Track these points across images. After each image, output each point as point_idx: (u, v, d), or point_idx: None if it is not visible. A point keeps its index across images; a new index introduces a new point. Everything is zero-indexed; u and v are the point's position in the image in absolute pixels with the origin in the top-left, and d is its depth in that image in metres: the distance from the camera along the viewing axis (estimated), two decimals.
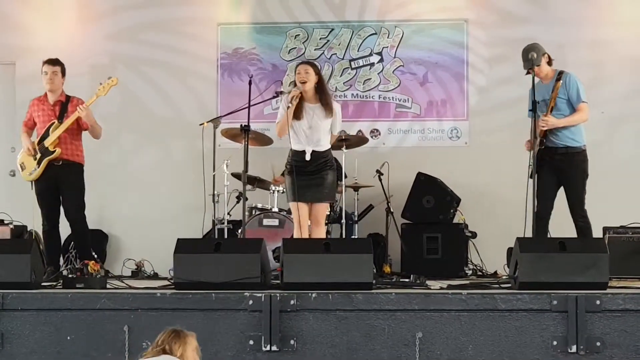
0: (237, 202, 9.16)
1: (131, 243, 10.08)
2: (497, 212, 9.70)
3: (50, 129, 8.14)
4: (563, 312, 5.97)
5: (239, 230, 8.64)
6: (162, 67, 10.32)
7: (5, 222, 9.08)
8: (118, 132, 10.03)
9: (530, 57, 7.85)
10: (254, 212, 8.91)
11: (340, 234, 9.13)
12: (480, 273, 9.23)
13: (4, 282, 6.44)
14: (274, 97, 8.90)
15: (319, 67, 7.98)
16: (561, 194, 7.90)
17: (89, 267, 6.80)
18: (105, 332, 6.12)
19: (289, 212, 8.43)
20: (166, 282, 7.27)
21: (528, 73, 7.87)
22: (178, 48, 10.33)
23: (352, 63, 10.23)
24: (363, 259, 6.43)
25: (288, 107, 7.55)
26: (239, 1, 10.35)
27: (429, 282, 7.14)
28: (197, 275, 6.42)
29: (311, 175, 7.63)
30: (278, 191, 8.95)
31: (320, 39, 10.26)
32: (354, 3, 10.22)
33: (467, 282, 7.94)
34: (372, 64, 10.21)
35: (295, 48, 10.25)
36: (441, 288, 6.68)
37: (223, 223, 8.98)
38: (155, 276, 9.08)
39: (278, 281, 6.65)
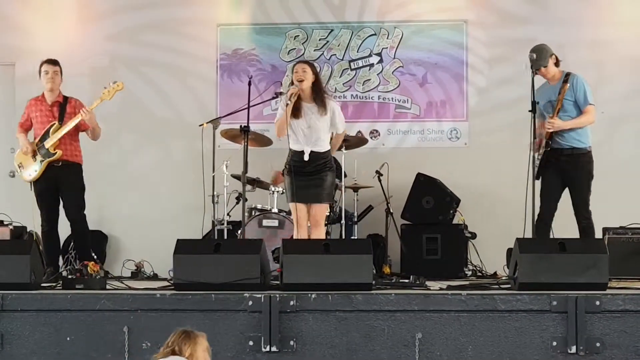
0: (237, 202, 9.15)
1: (131, 244, 10.08)
2: (496, 212, 9.70)
3: (50, 131, 8.13)
4: (563, 313, 5.97)
5: (239, 231, 8.63)
6: (161, 68, 10.32)
7: (5, 223, 9.08)
8: (118, 133, 10.02)
9: (530, 57, 7.86)
10: (253, 213, 8.90)
11: (340, 235, 9.13)
12: (479, 274, 9.22)
13: (3, 283, 6.44)
14: (273, 98, 8.90)
15: (317, 67, 8.00)
16: (565, 194, 7.90)
17: (88, 268, 6.80)
18: (104, 333, 6.12)
19: (288, 213, 8.43)
20: (166, 283, 7.27)
21: (535, 74, 7.88)
22: (178, 49, 10.32)
23: (352, 64, 10.23)
24: (363, 259, 6.43)
25: (287, 105, 7.56)
26: (239, 2, 10.35)
27: (428, 283, 7.14)
28: (197, 276, 6.42)
29: (310, 175, 7.63)
30: (278, 192, 8.95)
31: (319, 39, 10.26)
32: (354, 4, 10.22)
33: (467, 282, 7.94)
34: (371, 65, 10.21)
35: (294, 49, 10.25)
36: (441, 289, 6.68)
37: (223, 224, 8.98)
38: (154, 277, 9.08)
39: (278, 282, 6.64)
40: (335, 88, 10.15)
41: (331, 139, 7.95)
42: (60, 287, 6.86)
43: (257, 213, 8.89)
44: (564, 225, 7.86)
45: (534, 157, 7.76)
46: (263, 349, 6.02)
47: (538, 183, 7.86)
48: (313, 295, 6.09)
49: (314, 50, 10.23)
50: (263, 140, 9.11)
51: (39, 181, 8.16)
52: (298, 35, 10.27)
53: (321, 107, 7.62)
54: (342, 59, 10.24)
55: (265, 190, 9.19)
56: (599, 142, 8.91)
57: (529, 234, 7.68)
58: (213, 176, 8.90)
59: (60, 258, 8.70)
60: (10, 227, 9.02)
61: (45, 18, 10.33)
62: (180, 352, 4.65)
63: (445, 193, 9.55)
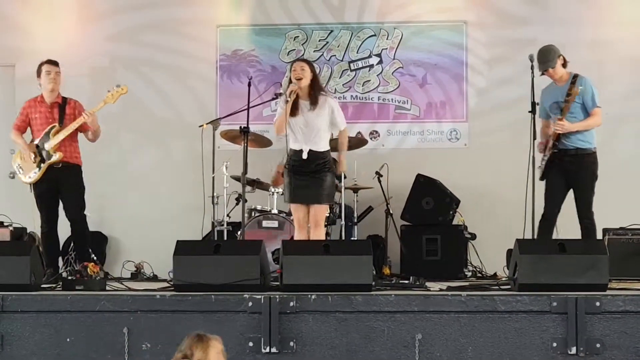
0: (237, 203, 9.15)
1: (130, 245, 10.08)
2: (496, 213, 9.70)
3: (51, 133, 8.12)
4: (563, 314, 5.97)
5: (239, 232, 8.64)
6: (161, 68, 10.33)
7: (5, 224, 9.08)
8: (117, 133, 10.03)
9: (530, 57, 7.87)
10: (253, 214, 8.90)
11: (340, 236, 9.13)
12: (479, 274, 9.22)
13: (3, 284, 6.43)
14: (273, 99, 8.90)
15: (315, 65, 8.01)
16: (568, 195, 7.90)
17: (88, 269, 6.79)
18: (104, 334, 6.11)
19: (288, 213, 8.43)
20: (166, 284, 7.27)
21: (543, 74, 7.88)
22: (178, 49, 10.33)
23: (351, 65, 10.23)
24: (362, 260, 6.43)
25: (286, 102, 7.56)
26: (239, 3, 10.35)
27: (428, 284, 7.14)
28: (197, 277, 6.41)
29: (309, 176, 7.64)
30: (277, 193, 8.95)
31: (319, 40, 10.26)
32: (353, 5, 10.22)
33: (467, 283, 7.94)
34: (371, 66, 10.21)
35: (294, 50, 10.25)
36: (441, 290, 6.68)
37: (222, 225, 8.98)
38: (154, 278, 9.08)
39: (277, 283, 6.64)
40: (335, 89, 10.15)
41: (331, 139, 7.96)
42: (60, 288, 6.86)
43: (257, 214, 8.89)
44: (566, 226, 7.87)
45: (534, 157, 7.76)
46: (263, 350, 6.02)
47: (541, 183, 7.87)
48: (313, 296, 6.09)
49: (314, 51, 10.23)
50: (263, 141, 9.11)
51: (39, 183, 8.15)
52: (298, 36, 10.27)
53: (313, 102, 7.62)
54: (342, 60, 10.24)
55: (265, 192, 9.19)
56: (599, 143, 8.88)
57: (529, 235, 7.68)
58: (213, 177, 8.90)
59: (60, 259, 8.70)
60: (10, 228, 9.03)
61: (45, 19, 10.33)
62: (191, 355, 4.63)
63: (445, 194, 9.55)
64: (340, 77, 10.23)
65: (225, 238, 8.90)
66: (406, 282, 7.43)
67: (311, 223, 7.66)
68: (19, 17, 10.36)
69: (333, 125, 7.78)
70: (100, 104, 8.25)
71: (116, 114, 9.81)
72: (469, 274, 9.24)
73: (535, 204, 7.69)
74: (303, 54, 10.14)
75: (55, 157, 8.08)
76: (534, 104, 7.82)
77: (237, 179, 8.64)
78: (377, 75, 10.20)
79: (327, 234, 8.75)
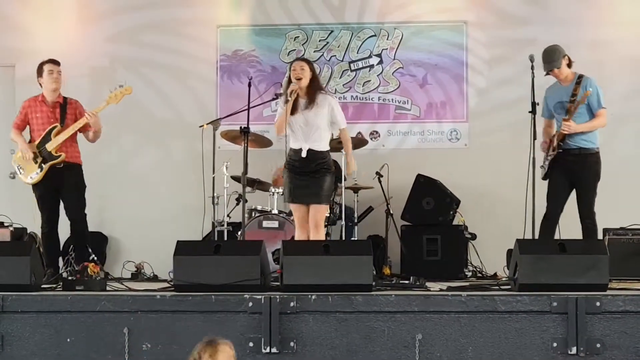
0: (237, 204, 9.15)
1: (131, 245, 10.08)
2: (496, 213, 9.70)
3: (52, 133, 8.11)
4: (563, 314, 5.97)
5: (239, 232, 8.64)
6: (161, 69, 10.32)
7: (5, 224, 9.08)
8: (118, 134, 10.02)
9: (530, 57, 7.87)
10: (253, 214, 8.90)
11: (340, 236, 9.13)
12: (480, 275, 9.22)
13: (3, 284, 6.44)
14: (273, 99, 8.90)
15: (314, 64, 8.01)
16: (571, 195, 7.91)
17: (88, 270, 6.79)
18: (105, 334, 6.11)
19: (288, 214, 8.43)
20: (166, 284, 7.27)
21: (547, 74, 7.88)
22: (178, 49, 10.33)
23: (352, 65, 10.23)
24: (363, 260, 6.43)
25: (287, 101, 7.57)
26: (239, 3, 10.35)
27: (428, 284, 7.15)
28: (197, 277, 6.41)
29: (308, 176, 7.64)
30: (278, 193, 8.95)
31: (319, 40, 10.26)
32: (354, 5, 10.22)
33: (467, 283, 7.94)
34: (371, 66, 10.21)
35: (294, 50, 10.25)
36: (441, 290, 6.69)
37: (223, 225, 8.98)
38: (155, 278, 9.09)
39: (278, 283, 6.64)
40: (335, 89, 10.15)
41: (332, 139, 7.96)
42: (61, 289, 6.86)
43: (257, 214, 8.89)
44: (568, 226, 7.87)
45: (534, 157, 7.76)
46: (263, 350, 6.02)
47: (541, 184, 7.87)
48: (313, 297, 6.09)
49: (314, 51, 10.23)
50: (263, 142, 9.11)
51: (41, 183, 8.13)
52: (298, 37, 10.27)
53: (310, 101, 7.63)
54: (342, 60, 10.24)
55: (265, 192, 9.19)
56: (599, 143, 8.91)
57: (529, 235, 7.68)
58: (213, 177, 8.90)
59: (60, 259, 8.69)
60: (11, 228, 9.02)
61: (45, 19, 10.33)
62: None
63: (445, 194, 9.55)
64: (340, 78, 10.23)
65: (225, 238, 8.90)
66: (406, 282, 7.43)
67: (311, 224, 7.65)
68: (19, 18, 10.36)
69: (333, 125, 7.78)
70: (103, 104, 8.23)
71: (116, 114, 9.80)
72: (469, 274, 9.25)
73: (535, 204, 7.69)
74: (303, 54, 10.13)
75: (59, 158, 8.07)
76: (534, 104, 7.82)
77: (237, 179, 8.64)
78: (378, 76, 10.20)
79: (327, 234, 8.76)
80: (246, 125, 8.23)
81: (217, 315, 6.09)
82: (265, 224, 8.77)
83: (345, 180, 9.02)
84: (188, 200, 9.57)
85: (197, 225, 8.93)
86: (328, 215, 8.61)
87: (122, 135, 10.19)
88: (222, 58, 10.32)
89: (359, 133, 9.99)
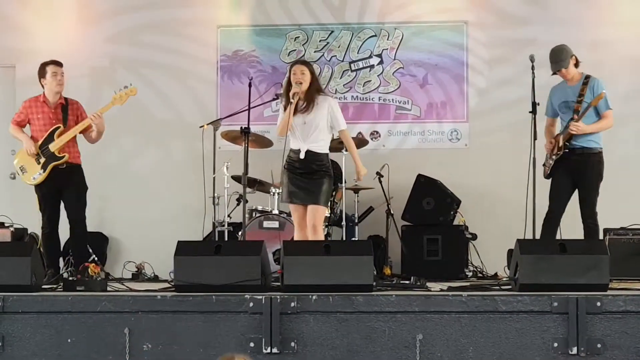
0: (238, 204, 9.15)
1: (131, 245, 10.08)
2: (497, 213, 9.71)
3: (55, 134, 8.10)
4: (564, 314, 5.96)
5: (239, 233, 8.64)
6: (162, 69, 10.33)
7: (6, 224, 9.09)
8: (118, 134, 10.01)
9: (531, 57, 7.88)
10: (254, 215, 8.91)
11: (341, 236, 9.13)
12: (480, 275, 9.23)
13: (4, 284, 6.44)
14: (274, 100, 8.90)
15: (313, 66, 8.03)
16: (573, 196, 7.91)
17: (89, 270, 6.80)
18: (105, 334, 6.11)
19: (289, 214, 8.43)
20: (167, 285, 7.27)
21: (554, 74, 7.88)
22: (178, 50, 10.33)
23: (352, 65, 10.23)
24: (363, 261, 6.43)
25: (290, 103, 7.57)
26: (239, 3, 10.35)
27: (429, 284, 7.15)
28: (198, 277, 6.41)
29: (307, 178, 7.64)
30: (278, 193, 8.95)
31: (320, 41, 10.26)
32: (354, 5, 10.22)
33: (468, 283, 7.94)
34: (372, 66, 10.21)
35: (295, 50, 10.26)
36: (441, 290, 6.69)
37: (223, 225, 8.99)
38: (155, 279, 9.10)
39: (278, 283, 6.64)
40: (336, 89, 10.15)
41: (332, 139, 7.97)
42: (61, 289, 6.86)
43: (258, 214, 8.89)
44: (569, 226, 7.87)
45: (534, 157, 7.77)
46: (264, 351, 6.02)
47: (541, 184, 7.86)
48: (314, 297, 6.09)
49: (314, 51, 10.23)
50: (263, 142, 9.12)
51: (44, 184, 8.12)
52: (298, 37, 10.27)
53: (308, 102, 7.64)
54: (343, 60, 10.24)
55: (266, 192, 9.19)
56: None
57: (529, 235, 7.68)
58: (214, 178, 8.91)
59: (61, 260, 8.69)
60: (11, 229, 9.03)
61: (45, 19, 10.33)
62: None
63: (445, 194, 9.55)
64: (340, 78, 10.23)
65: (226, 238, 8.91)
66: (407, 282, 7.43)
67: (308, 225, 7.65)
68: (19, 18, 10.36)
69: (334, 124, 7.78)
70: (108, 105, 8.22)
71: (117, 115, 9.79)
72: (470, 274, 9.25)
73: (535, 204, 7.70)
74: (304, 55, 10.14)
75: (62, 158, 8.06)
76: (534, 104, 7.83)
77: (237, 179, 8.65)
78: (378, 76, 10.20)
79: (328, 234, 8.77)
80: (247, 126, 8.24)
81: (217, 316, 6.10)
82: (265, 224, 8.77)
83: (345, 182, 9.01)
84: (188, 201, 9.57)
85: (198, 225, 8.93)
86: (329, 215, 8.62)
87: (123, 135, 10.19)
88: (223, 58, 10.32)
89: (360, 133, 9.99)
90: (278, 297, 6.10)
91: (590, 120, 7.79)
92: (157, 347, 6.07)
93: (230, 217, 9.13)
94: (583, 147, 7.79)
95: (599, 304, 5.96)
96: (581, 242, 7.25)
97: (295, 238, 7.81)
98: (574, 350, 5.93)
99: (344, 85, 10.22)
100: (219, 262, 6.48)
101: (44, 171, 8.09)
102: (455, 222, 9.53)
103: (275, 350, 6.02)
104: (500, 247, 8.47)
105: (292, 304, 6.06)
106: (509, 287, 6.75)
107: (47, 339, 6.15)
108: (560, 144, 7.81)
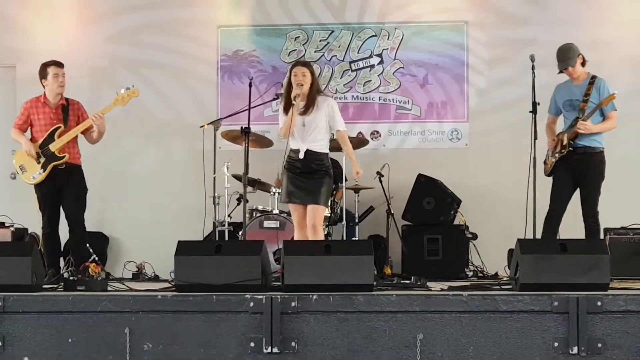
0: (238, 204, 9.16)
1: (132, 245, 10.09)
2: (497, 213, 9.71)
3: (56, 134, 8.10)
4: (564, 314, 5.96)
5: (240, 233, 8.64)
6: (162, 69, 10.33)
7: (6, 224, 9.08)
8: (118, 134, 10.01)
9: (531, 57, 7.88)
10: (254, 214, 8.91)
11: (341, 236, 9.13)
12: (481, 274, 9.23)
13: (5, 284, 6.43)
14: (274, 99, 8.91)
15: (314, 67, 8.05)
16: (575, 195, 7.91)
17: (89, 270, 6.79)
18: (106, 334, 6.11)
19: (289, 214, 8.43)
20: (167, 284, 7.27)
21: (561, 72, 7.89)
22: (178, 50, 10.34)
23: (352, 65, 10.23)
24: (364, 260, 6.43)
25: (292, 105, 7.58)
26: (239, 3, 10.35)
27: (429, 284, 7.15)
28: (198, 277, 6.41)
29: (306, 177, 7.65)
30: (279, 193, 8.95)
31: (320, 41, 10.26)
32: (354, 5, 10.23)
33: (468, 283, 7.94)
34: (372, 66, 10.22)
35: (295, 50, 10.26)
36: (442, 289, 6.68)
37: (224, 225, 8.99)
38: (156, 278, 9.10)
39: (279, 283, 6.64)
40: (336, 89, 10.16)
41: (332, 139, 7.97)
42: (62, 289, 6.86)
43: (258, 214, 8.89)
44: (570, 226, 7.87)
45: (535, 157, 7.76)
46: (264, 350, 6.01)
47: (541, 184, 7.86)
48: (314, 296, 6.09)
49: (315, 51, 10.23)
50: (264, 142, 9.12)
51: (44, 184, 8.13)
52: (299, 37, 10.27)
53: (308, 103, 7.65)
54: (343, 60, 10.25)
55: (266, 192, 9.20)
56: None
57: (530, 235, 7.68)
58: (214, 177, 8.92)
59: (62, 260, 8.69)
60: (12, 229, 9.03)
61: (46, 19, 10.34)
62: None
63: (446, 194, 9.55)
64: (341, 78, 10.23)
65: (226, 238, 8.91)
66: (407, 282, 7.43)
67: (308, 225, 7.66)
68: (19, 18, 10.37)
69: (332, 124, 7.78)
70: (109, 106, 8.22)
71: (117, 115, 9.79)
72: (470, 273, 9.25)
73: (536, 203, 7.70)
74: (304, 55, 10.14)
75: (63, 158, 8.06)
76: (534, 104, 7.83)
77: (238, 178, 8.65)
78: (378, 76, 10.21)
79: (328, 234, 8.77)
80: (247, 126, 8.24)
81: (218, 315, 6.09)
82: (266, 224, 8.78)
83: (346, 180, 9.02)
84: (189, 201, 9.58)
85: (198, 225, 8.93)
86: (329, 215, 8.62)
87: (123, 135, 10.19)
88: (223, 58, 10.33)
89: (360, 133, 10.00)
90: (278, 296, 6.10)
91: (595, 120, 7.80)
92: (158, 347, 6.07)
93: (231, 217, 9.13)
94: (586, 146, 7.80)
95: (599, 303, 5.95)
96: (582, 241, 7.25)
97: (295, 238, 7.82)
98: (575, 350, 5.92)
99: (344, 85, 10.22)
100: (219, 261, 6.48)
101: (44, 171, 8.09)
102: (456, 222, 9.54)
103: (275, 350, 6.02)
104: (500, 246, 8.47)
105: (293, 304, 6.06)
106: (510, 286, 6.75)
107: (47, 338, 6.15)
108: (565, 142, 7.81)
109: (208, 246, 7.00)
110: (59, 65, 8.19)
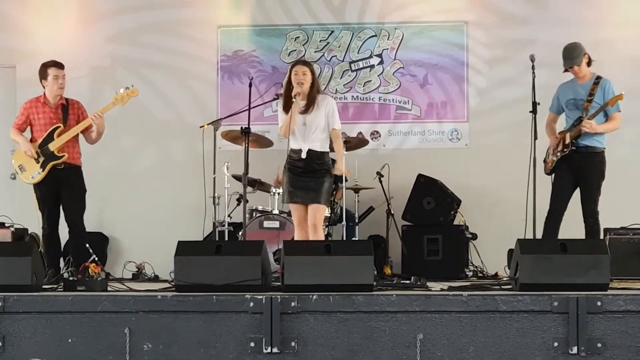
0: (238, 204, 9.16)
1: (132, 245, 10.09)
2: (497, 213, 9.71)
3: (55, 134, 8.10)
4: (564, 314, 5.96)
5: (240, 233, 8.64)
6: (162, 70, 10.33)
7: (6, 225, 9.08)
8: (118, 135, 10.02)
9: (531, 57, 7.88)
10: (254, 215, 8.91)
11: (341, 236, 9.13)
12: (481, 274, 9.24)
13: (5, 284, 6.43)
14: (274, 100, 8.90)
15: (314, 66, 8.05)
16: (575, 195, 7.91)
17: (89, 270, 6.79)
18: (106, 334, 6.11)
19: (289, 214, 8.43)
20: (167, 285, 7.27)
21: (566, 71, 7.88)
22: (178, 50, 10.34)
23: (352, 65, 10.23)
24: (364, 260, 6.43)
25: (293, 102, 7.58)
26: (239, 3, 10.35)
27: (429, 284, 7.15)
28: (198, 277, 6.41)
29: (308, 177, 7.66)
30: (279, 193, 8.95)
31: (320, 41, 10.26)
32: (354, 5, 10.23)
33: (468, 283, 7.94)
34: (372, 66, 10.22)
35: (295, 50, 10.26)
36: (442, 289, 6.68)
37: (224, 225, 8.99)
38: (156, 279, 9.10)
39: (279, 283, 6.64)
40: (336, 89, 10.16)
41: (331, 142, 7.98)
42: (62, 289, 6.86)
43: (258, 214, 8.89)
44: (570, 225, 7.87)
45: (535, 157, 7.76)
46: (264, 350, 6.01)
47: (541, 184, 7.86)
48: (314, 297, 6.09)
49: (315, 51, 10.23)
50: (264, 142, 9.12)
51: (43, 183, 8.13)
52: (299, 37, 10.27)
53: (308, 102, 7.66)
54: (343, 60, 10.25)
55: (266, 192, 9.20)
56: None
57: (530, 235, 7.68)
58: (214, 178, 8.91)
59: (61, 260, 8.69)
60: (12, 229, 9.03)
61: (46, 20, 10.34)
62: None
63: (446, 194, 9.55)
64: (341, 78, 10.23)
65: (226, 238, 8.91)
66: (407, 282, 7.43)
67: (309, 224, 7.67)
68: (20, 18, 10.37)
69: (328, 122, 7.78)
70: (109, 105, 8.21)
71: (117, 115, 9.79)
72: (470, 274, 9.26)
73: (536, 203, 7.70)
74: (304, 55, 10.14)
75: (62, 158, 8.06)
76: (535, 104, 7.83)
77: (238, 178, 8.65)
78: (378, 76, 10.21)
79: (328, 234, 8.77)
80: (247, 126, 8.24)
81: (218, 316, 6.09)
82: (266, 224, 8.78)
83: (346, 181, 9.02)
84: (189, 201, 9.58)
85: (198, 225, 8.93)
86: (329, 215, 8.62)
87: (123, 135, 10.19)
88: (223, 58, 10.33)
89: (360, 133, 10.00)
90: (278, 296, 6.10)
91: (598, 120, 7.80)
92: (158, 347, 6.07)
93: (231, 217, 9.13)
94: (587, 146, 7.80)
95: (599, 303, 5.95)
96: (581, 241, 7.25)
97: (296, 238, 7.82)
98: (574, 350, 5.92)
99: (344, 85, 10.22)
100: (219, 262, 6.48)
101: (43, 170, 8.09)
102: (456, 222, 9.54)
103: (275, 350, 6.02)
104: (500, 247, 8.47)
105: (293, 304, 6.06)
106: (510, 286, 6.75)
107: (47, 339, 6.15)
108: (567, 141, 7.81)
109: (208, 246, 7.00)
110: (60, 66, 8.19)
